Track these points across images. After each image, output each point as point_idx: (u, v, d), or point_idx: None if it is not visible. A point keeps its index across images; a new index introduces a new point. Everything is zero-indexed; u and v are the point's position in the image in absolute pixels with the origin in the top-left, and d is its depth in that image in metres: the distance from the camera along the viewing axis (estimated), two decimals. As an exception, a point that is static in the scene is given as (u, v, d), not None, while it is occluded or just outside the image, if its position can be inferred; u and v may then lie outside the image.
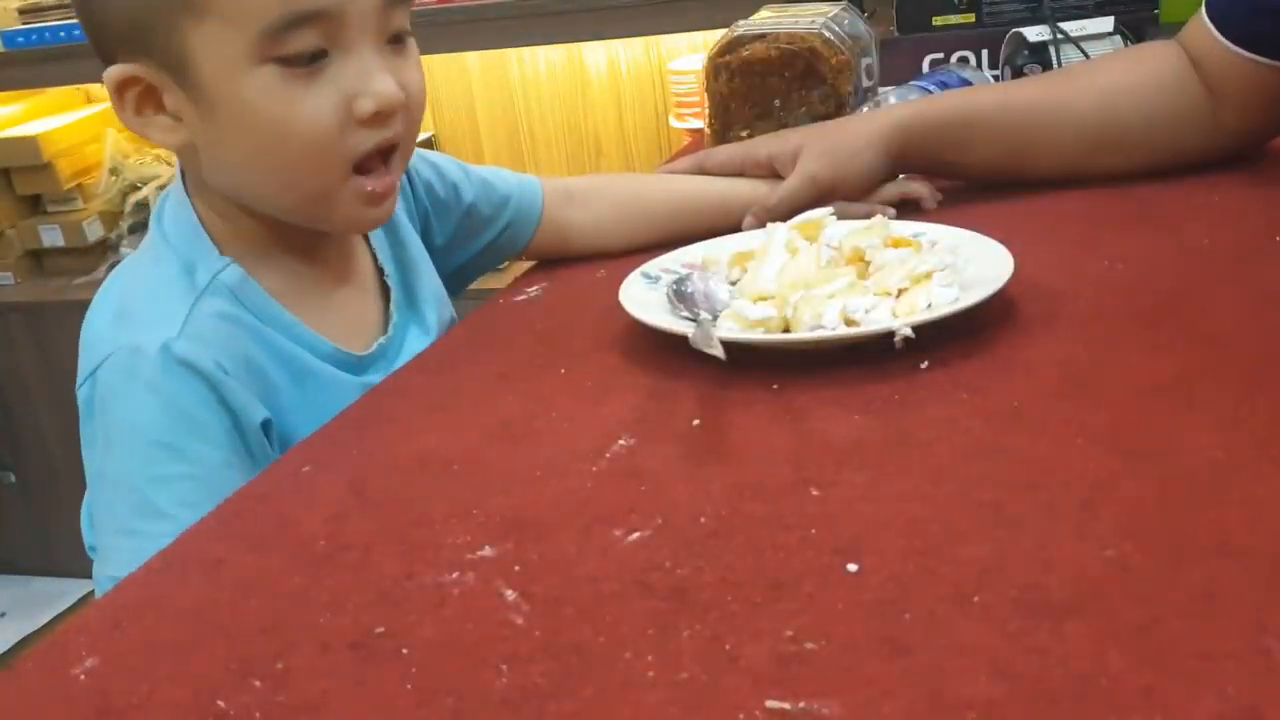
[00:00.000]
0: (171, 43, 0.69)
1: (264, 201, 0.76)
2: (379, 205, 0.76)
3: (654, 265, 0.83)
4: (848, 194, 0.93)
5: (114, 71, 0.71)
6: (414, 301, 0.87)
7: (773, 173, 0.96)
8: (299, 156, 0.71)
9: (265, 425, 0.73)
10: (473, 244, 0.97)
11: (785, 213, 0.89)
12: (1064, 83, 0.98)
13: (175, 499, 0.67)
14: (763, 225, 0.88)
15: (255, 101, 0.69)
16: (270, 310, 0.76)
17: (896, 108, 0.97)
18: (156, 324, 0.71)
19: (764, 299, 0.72)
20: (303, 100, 0.69)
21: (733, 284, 0.80)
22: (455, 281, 0.98)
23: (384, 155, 0.74)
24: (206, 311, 0.73)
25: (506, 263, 1.04)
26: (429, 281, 0.90)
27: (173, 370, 0.69)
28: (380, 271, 0.86)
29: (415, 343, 0.85)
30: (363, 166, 0.73)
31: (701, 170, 1.00)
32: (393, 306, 0.85)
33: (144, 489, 0.68)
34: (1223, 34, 0.89)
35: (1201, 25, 0.90)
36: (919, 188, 0.95)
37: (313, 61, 0.69)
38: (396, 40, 0.74)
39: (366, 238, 0.86)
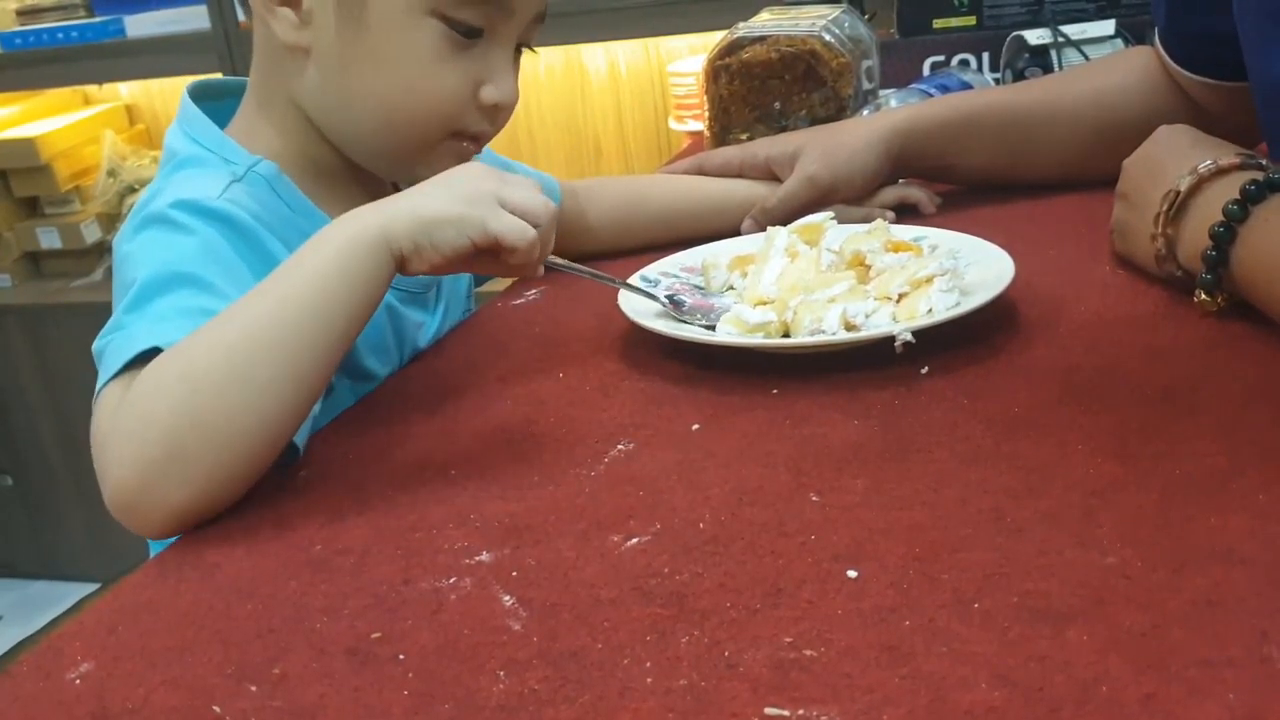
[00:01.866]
0: None
1: (357, 138, 0.76)
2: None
3: (653, 269, 0.83)
4: (846, 196, 0.93)
5: None
6: None
7: (771, 175, 0.96)
8: (420, 114, 0.73)
9: None
10: None
11: (784, 215, 0.89)
12: (1061, 85, 0.98)
13: (185, 328, 0.62)
14: (761, 228, 0.88)
15: (407, 47, 0.71)
16: (305, 207, 0.75)
17: (896, 111, 0.97)
18: (193, 191, 0.70)
19: (764, 303, 0.72)
20: (445, 67, 0.72)
21: (730, 289, 0.80)
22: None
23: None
24: (244, 190, 0.72)
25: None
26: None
27: (209, 216, 0.69)
28: None
29: (451, 297, 0.86)
30: (469, 135, 0.76)
31: (700, 171, 1.00)
32: None
33: (157, 306, 0.64)
34: (1175, 61, 0.90)
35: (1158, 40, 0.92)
36: (917, 192, 0.95)
37: (472, 36, 0.72)
38: (517, 50, 0.77)
39: None
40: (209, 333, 0.59)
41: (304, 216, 0.74)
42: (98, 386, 0.62)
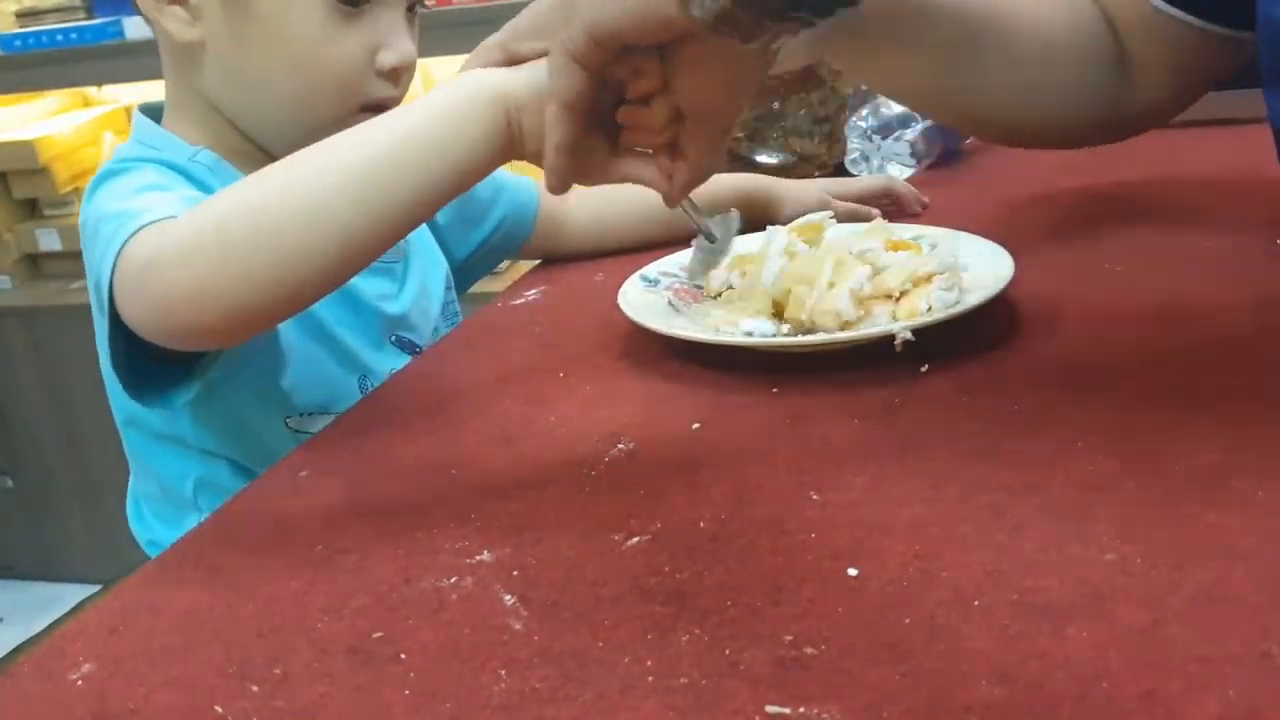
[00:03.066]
0: None
1: (264, 123, 0.76)
2: None
3: (652, 268, 0.83)
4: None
5: None
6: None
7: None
8: (319, 89, 0.73)
9: None
10: (472, 234, 0.97)
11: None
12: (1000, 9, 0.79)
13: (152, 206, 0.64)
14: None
15: (295, 25, 0.71)
16: None
17: None
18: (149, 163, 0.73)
19: (763, 309, 0.72)
20: (338, 38, 0.72)
21: (730, 288, 0.80)
22: (459, 280, 0.98)
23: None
24: (202, 160, 0.74)
25: (506, 263, 1.04)
26: (428, 248, 0.90)
27: (157, 168, 0.71)
28: None
29: (426, 277, 0.85)
30: (375, 107, 0.76)
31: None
32: None
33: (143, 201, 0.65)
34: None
35: None
36: (904, 187, 0.94)
37: (354, 3, 0.72)
38: (410, 9, 0.76)
39: None
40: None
41: None
42: (104, 270, 0.60)
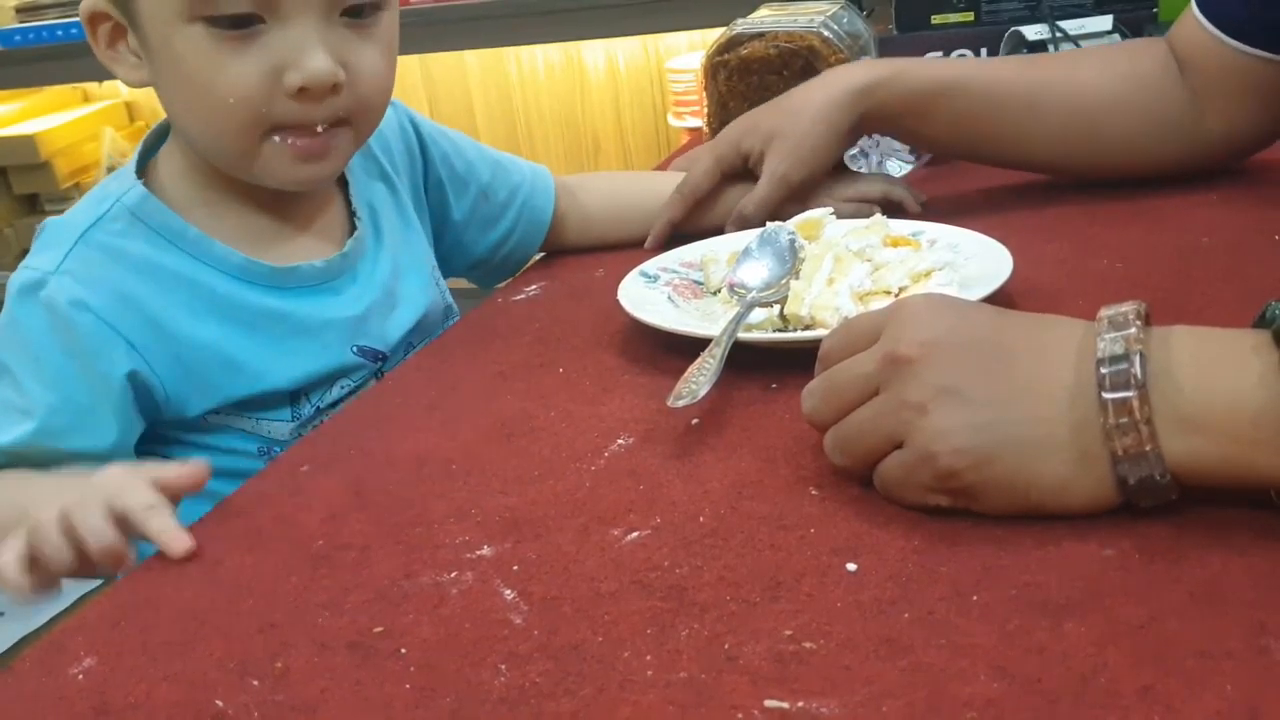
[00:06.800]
0: None
1: (200, 150, 0.77)
2: (313, 163, 0.74)
3: (652, 264, 0.83)
4: (820, 178, 0.93)
5: (86, 4, 0.73)
6: (380, 238, 0.86)
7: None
8: (217, 116, 0.72)
9: (131, 376, 0.73)
10: (489, 232, 0.97)
11: (762, 219, 0.88)
12: (1038, 71, 0.94)
13: None
14: (743, 229, 0.88)
15: (183, 57, 0.70)
16: (171, 225, 0.76)
17: (856, 70, 0.94)
18: (41, 255, 0.75)
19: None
20: (227, 65, 0.69)
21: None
22: (481, 277, 1.00)
23: (330, 126, 0.74)
24: (94, 243, 0.75)
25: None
26: (416, 247, 0.90)
27: (28, 303, 0.73)
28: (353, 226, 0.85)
29: (375, 274, 0.84)
30: (292, 128, 0.72)
31: (691, 194, 0.95)
32: (359, 232, 0.84)
33: None
34: (1212, 23, 0.86)
35: (1190, 19, 0.88)
36: (902, 192, 0.94)
37: (244, 26, 0.69)
38: (355, 13, 0.72)
39: (346, 199, 0.86)
40: None
41: (172, 239, 0.76)
42: None
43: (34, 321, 0.72)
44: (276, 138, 0.73)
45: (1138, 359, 0.46)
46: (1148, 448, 0.45)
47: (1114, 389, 0.46)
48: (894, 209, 0.93)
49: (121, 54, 0.74)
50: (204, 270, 0.76)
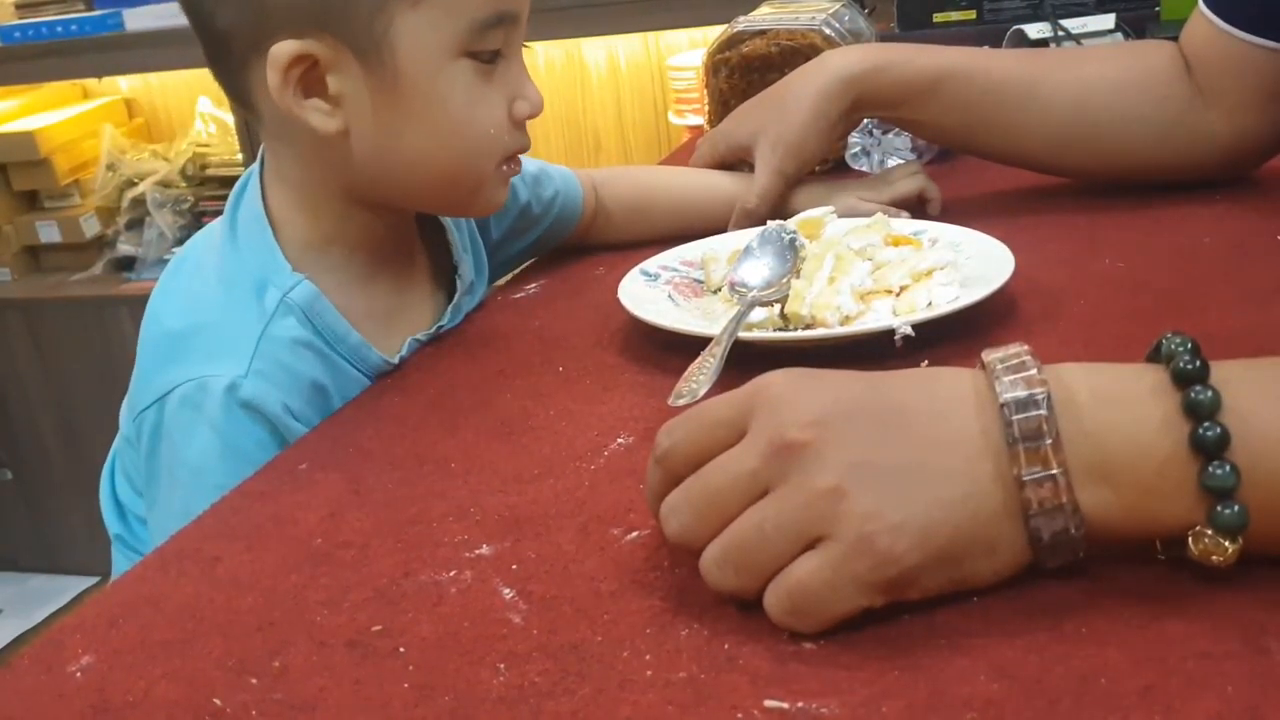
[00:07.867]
0: (374, 25, 0.68)
1: (410, 198, 0.77)
2: (508, 189, 0.80)
3: (652, 263, 0.83)
4: (815, 164, 0.95)
5: (285, 47, 0.67)
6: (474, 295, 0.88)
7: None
8: (473, 149, 0.73)
9: None
10: (522, 240, 0.97)
11: (767, 213, 0.88)
12: (1040, 68, 0.92)
13: None
14: (745, 227, 0.88)
15: (446, 93, 0.71)
16: (338, 331, 0.74)
17: (852, 53, 0.94)
18: (224, 357, 0.70)
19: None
20: (484, 97, 0.72)
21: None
22: (495, 269, 0.99)
23: None
24: (276, 337, 0.71)
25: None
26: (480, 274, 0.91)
27: (236, 414, 0.69)
28: (438, 267, 0.86)
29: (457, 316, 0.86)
30: (513, 155, 0.77)
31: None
32: (456, 299, 0.84)
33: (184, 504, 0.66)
34: (1219, 16, 0.85)
35: (1199, 17, 0.87)
36: (934, 189, 0.94)
37: (494, 60, 0.72)
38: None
39: (441, 235, 0.86)
40: None
41: (337, 346, 0.74)
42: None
43: (243, 430, 0.69)
44: (505, 166, 0.76)
45: (1045, 401, 0.42)
46: (1064, 499, 0.41)
47: (1025, 438, 0.41)
48: (917, 206, 0.93)
49: (305, 103, 0.70)
50: (348, 370, 0.75)
